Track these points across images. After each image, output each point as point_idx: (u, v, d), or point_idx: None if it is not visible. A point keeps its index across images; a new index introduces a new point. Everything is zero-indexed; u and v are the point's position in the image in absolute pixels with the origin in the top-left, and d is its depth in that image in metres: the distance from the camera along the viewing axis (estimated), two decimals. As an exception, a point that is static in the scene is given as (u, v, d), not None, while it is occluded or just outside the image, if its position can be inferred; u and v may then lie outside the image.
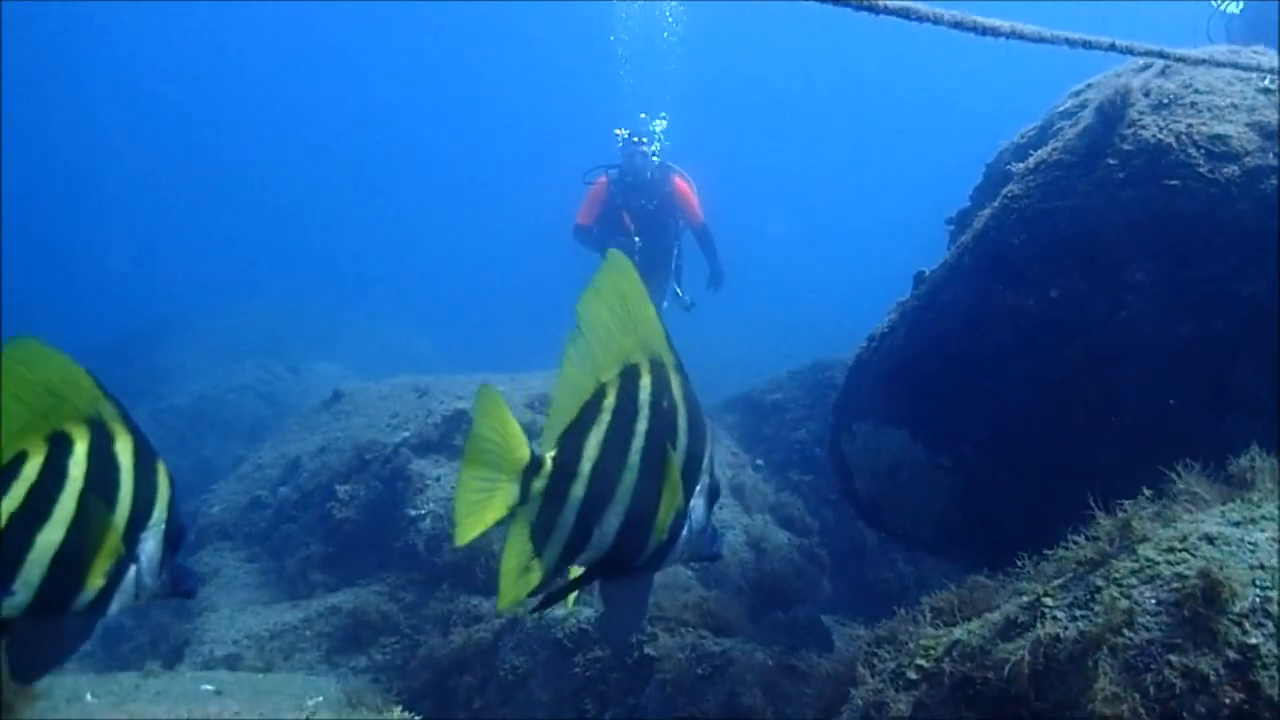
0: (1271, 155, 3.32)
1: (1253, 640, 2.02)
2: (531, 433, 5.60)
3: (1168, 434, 3.48)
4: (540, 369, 8.52)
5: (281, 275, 27.25)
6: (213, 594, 6.60)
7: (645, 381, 1.78)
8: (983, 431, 4.07)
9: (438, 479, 6.30)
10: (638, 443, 1.75)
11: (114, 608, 1.74)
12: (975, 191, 5.57)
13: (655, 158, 9.27)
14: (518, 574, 1.74)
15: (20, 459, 1.62)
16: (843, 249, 34.36)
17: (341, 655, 5.66)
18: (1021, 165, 3.90)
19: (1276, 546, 2.20)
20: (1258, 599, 2.08)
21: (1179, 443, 3.36)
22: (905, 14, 2.29)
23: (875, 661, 2.78)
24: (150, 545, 1.76)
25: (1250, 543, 2.23)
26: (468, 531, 1.71)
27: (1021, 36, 2.46)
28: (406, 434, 6.86)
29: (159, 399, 13.66)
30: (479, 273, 30.27)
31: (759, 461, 8.35)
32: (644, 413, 1.76)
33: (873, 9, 2.26)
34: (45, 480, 1.62)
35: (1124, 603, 2.18)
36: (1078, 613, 2.28)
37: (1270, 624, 2.05)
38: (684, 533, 1.82)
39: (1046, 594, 2.40)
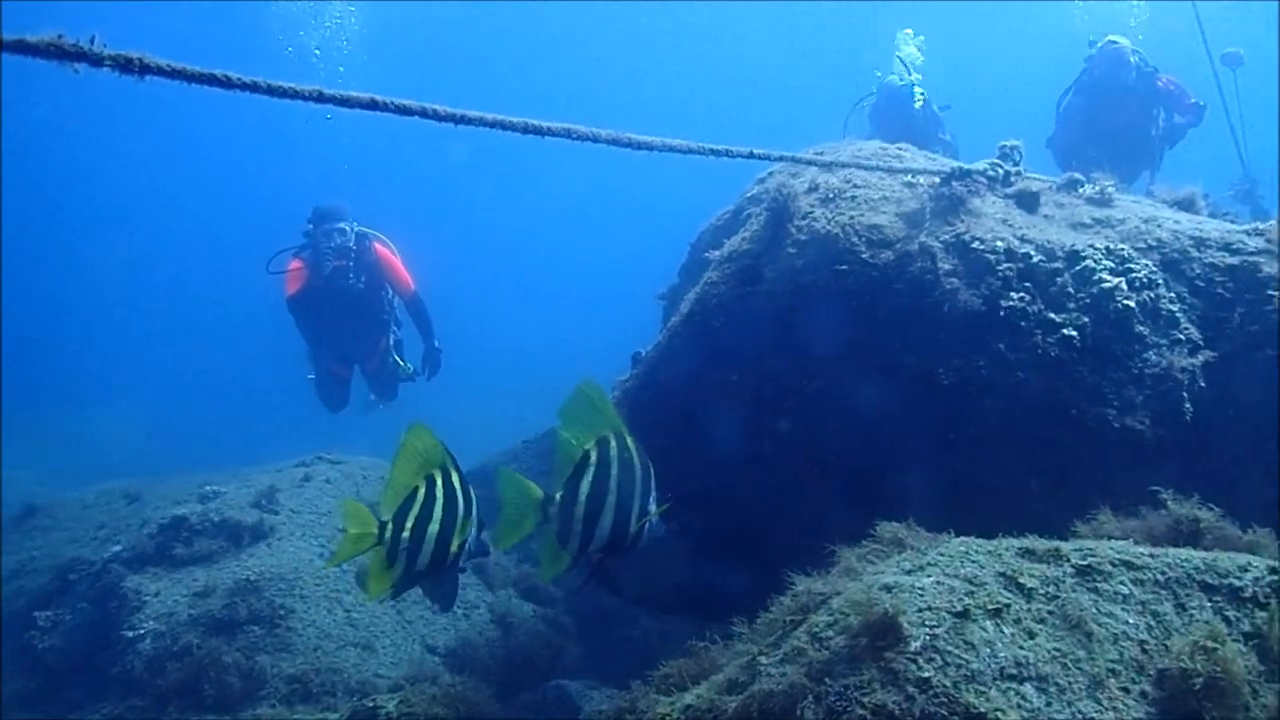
0: (916, 243, 3.89)
1: (925, 674, 2.37)
2: (261, 532, 5.33)
3: (863, 488, 3.94)
4: (257, 464, 8.13)
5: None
6: (-119, 755, 5.74)
7: (619, 449, 2.96)
8: (704, 497, 4.39)
9: (156, 594, 5.86)
10: (614, 481, 2.93)
11: (461, 563, 3.07)
12: (682, 269, 6.02)
13: (351, 231, 8.81)
14: (551, 560, 2.93)
15: (416, 489, 2.96)
16: (568, 316, 35.24)
17: (52, 802, 5.10)
18: (718, 253, 4.30)
19: (940, 589, 2.59)
20: (928, 637, 2.44)
21: (872, 495, 3.83)
22: (567, 134, 2.54)
23: (618, 733, 2.94)
24: (472, 531, 3.04)
25: (919, 588, 2.60)
26: (508, 542, 2.99)
27: (671, 149, 2.78)
28: (117, 548, 6.33)
29: None
30: (182, 366, 27.97)
31: (501, 534, 8.38)
32: (608, 468, 2.94)
33: (538, 131, 2.49)
34: (428, 499, 2.95)
35: (824, 654, 2.48)
36: (787, 668, 2.55)
37: (939, 658, 2.41)
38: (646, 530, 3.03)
39: (761, 653, 2.67)
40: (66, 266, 37.05)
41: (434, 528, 2.97)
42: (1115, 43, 9.44)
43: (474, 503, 3.08)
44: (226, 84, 1.62)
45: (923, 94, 10.28)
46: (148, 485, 7.68)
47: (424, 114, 1.90)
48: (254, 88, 1.65)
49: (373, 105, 1.82)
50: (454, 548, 3.02)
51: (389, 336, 9.58)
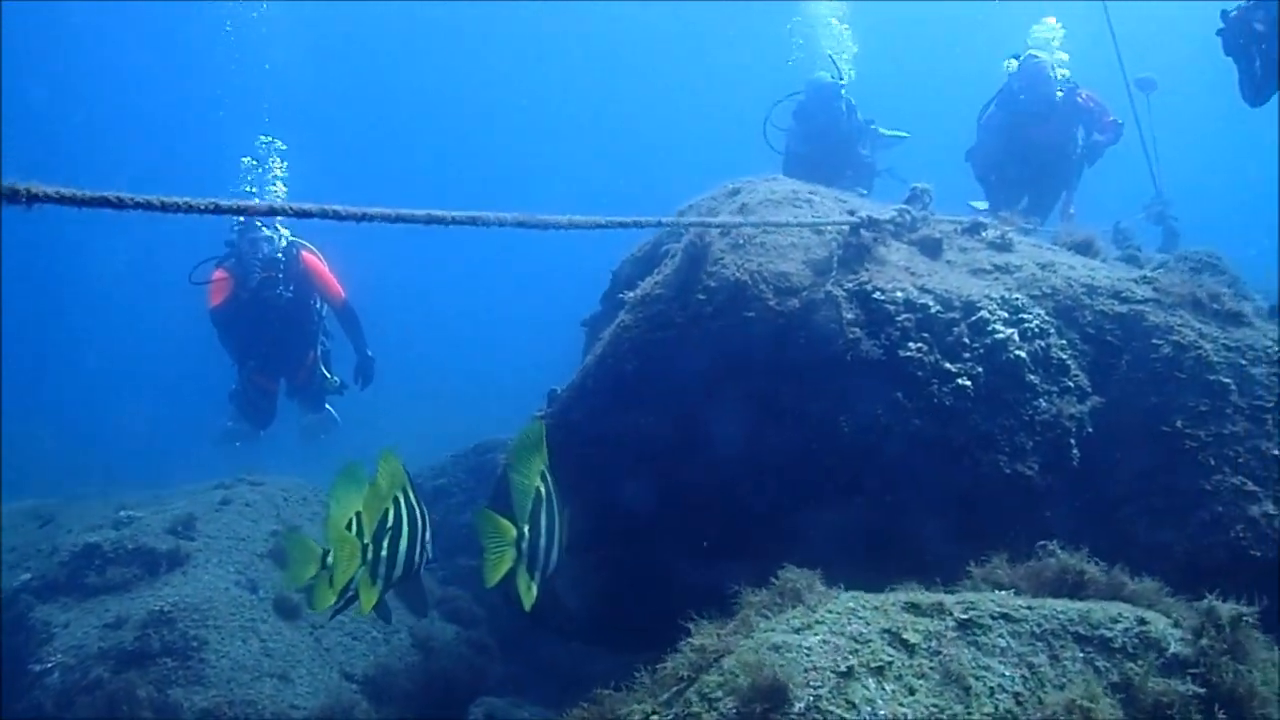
0: (821, 291, 4.02)
1: (808, 735, 2.49)
2: (176, 559, 5.25)
3: (766, 529, 4.06)
4: (176, 484, 7.99)
5: None
6: None
7: (550, 482, 3.44)
8: (618, 533, 4.48)
9: (66, 625, 5.74)
10: (554, 515, 3.44)
11: (422, 571, 3.58)
12: (604, 297, 6.10)
13: (281, 239, 8.66)
14: (527, 589, 3.34)
15: (388, 510, 3.38)
16: (501, 323, 35.12)
17: (-47, 845, 5.00)
18: (633, 295, 4.38)
19: (826, 648, 2.72)
20: (811, 698, 2.56)
21: (774, 535, 3.95)
22: (471, 221, 2.60)
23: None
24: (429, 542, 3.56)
25: (806, 647, 2.72)
26: (495, 579, 3.36)
27: (576, 225, 2.85)
28: (26, 576, 6.18)
29: None
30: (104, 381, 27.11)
31: (425, 550, 8.36)
32: (552, 500, 3.42)
33: (441, 221, 2.54)
34: (398, 517, 3.39)
35: (712, 715, 2.59)
36: (678, 728, 2.66)
37: (821, 718, 2.53)
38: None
39: (654, 711, 2.76)
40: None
41: (404, 544, 3.44)
42: (1036, 58, 9.26)
43: (426, 515, 3.57)
44: (119, 205, 1.66)
45: (850, 76, 10.04)
46: (61, 507, 7.49)
47: (324, 215, 1.95)
48: (147, 205, 1.69)
49: (271, 211, 1.87)
50: (419, 556, 3.51)
51: (318, 348, 9.42)
